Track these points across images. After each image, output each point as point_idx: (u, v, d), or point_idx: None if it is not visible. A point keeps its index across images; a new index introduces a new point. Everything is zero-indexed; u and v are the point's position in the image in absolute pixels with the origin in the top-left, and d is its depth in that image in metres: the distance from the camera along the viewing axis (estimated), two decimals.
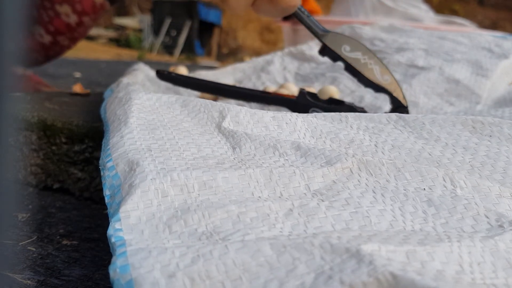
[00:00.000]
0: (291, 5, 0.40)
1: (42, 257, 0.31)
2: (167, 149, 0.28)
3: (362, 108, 0.43)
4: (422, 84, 0.54)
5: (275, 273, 0.18)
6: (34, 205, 0.40)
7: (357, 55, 0.42)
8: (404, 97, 0.43)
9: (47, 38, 0.76)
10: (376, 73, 0.42)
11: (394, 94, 0.42)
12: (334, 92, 0.49)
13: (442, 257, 0.19)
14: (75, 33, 0.77)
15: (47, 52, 0.79)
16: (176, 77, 0.45)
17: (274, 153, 0.29)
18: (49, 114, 0.45)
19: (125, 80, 0.43)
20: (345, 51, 0.42)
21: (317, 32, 0.42)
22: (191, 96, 0.52)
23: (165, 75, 0.45)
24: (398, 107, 0.43)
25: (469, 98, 0.51)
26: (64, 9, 0.73)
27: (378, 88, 0.42)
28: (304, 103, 0.43)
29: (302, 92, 0.43)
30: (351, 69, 0.42)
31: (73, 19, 0.74)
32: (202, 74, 0.64)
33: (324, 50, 0.43)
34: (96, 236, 0.35)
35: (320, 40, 0.42)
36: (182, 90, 0.55)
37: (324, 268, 0.18)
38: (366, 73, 0.42)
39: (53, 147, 0.43)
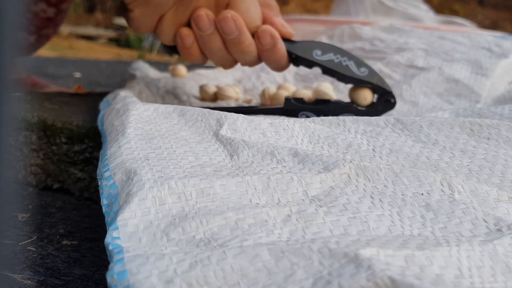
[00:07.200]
0: None
1: (42, 257, 0.31)
2: (164, 158, 0.28)
3: (349, 102, 0.43)
4: (422, 84, 0.54)
5: (273, 279, 0.18)
6: (34, 205, 0.40)
7: (330, 56, 0.42)
8: (385, 83, 0.43)
9: (32, 38, 0.76)
10: (352, 68, 0.42)
11: (374, 82, 0.42)
12: (328, 90, 0.49)
13: (441, 262, 0.19)
14: (57, 20, 0.76)
15: (36, 46, 0.79)
16: None
17: (271, 159, 0.29)
18: (49, 114, 0.45)
19: (122, 93, 0.43)
20: (317, 55, 0.42)
21: (285, 45, 0.42)
22: (192, 104, 0.51)
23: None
24: (383, 93, 0.43)
25: (469, 97, 0.51)
26: (40, 6, 0.72)
27: (358, 81, 0.42)
28: (292, 109, 0.43)
29: (287, 99, 0.43)
30: (328, 71, 0.43)
31: (51, 11, 0.73)
32: (202, 73, 0.64)
33: (297, 60, 0.43)
34: (96, 236, 0.35)
35: (290, 52, 0.42)
36: (183, 97, 0.55)
37: (322, 273, 0.18)
38: (342, 71, 0.42)
39: (53, 147, 0.43)
